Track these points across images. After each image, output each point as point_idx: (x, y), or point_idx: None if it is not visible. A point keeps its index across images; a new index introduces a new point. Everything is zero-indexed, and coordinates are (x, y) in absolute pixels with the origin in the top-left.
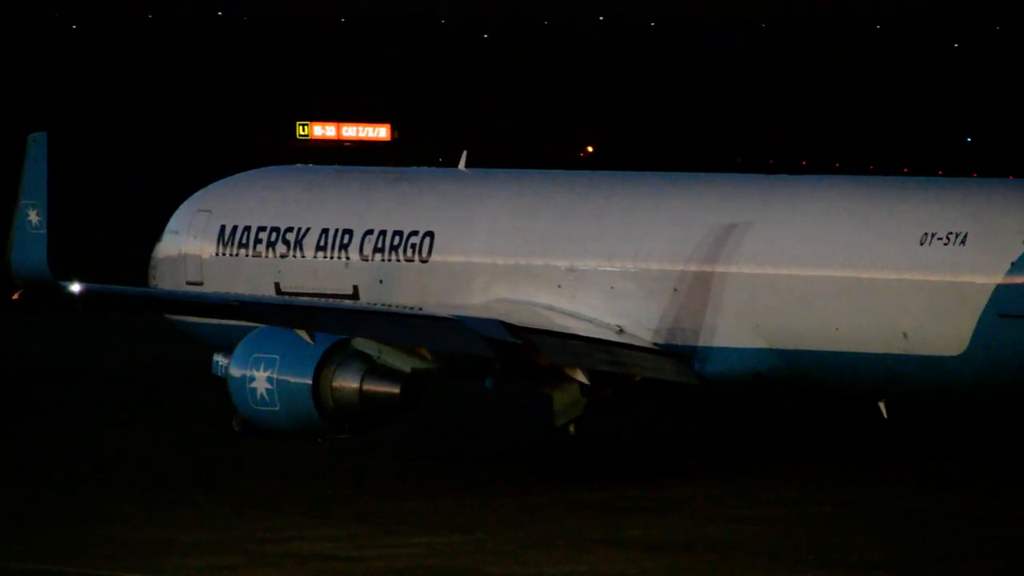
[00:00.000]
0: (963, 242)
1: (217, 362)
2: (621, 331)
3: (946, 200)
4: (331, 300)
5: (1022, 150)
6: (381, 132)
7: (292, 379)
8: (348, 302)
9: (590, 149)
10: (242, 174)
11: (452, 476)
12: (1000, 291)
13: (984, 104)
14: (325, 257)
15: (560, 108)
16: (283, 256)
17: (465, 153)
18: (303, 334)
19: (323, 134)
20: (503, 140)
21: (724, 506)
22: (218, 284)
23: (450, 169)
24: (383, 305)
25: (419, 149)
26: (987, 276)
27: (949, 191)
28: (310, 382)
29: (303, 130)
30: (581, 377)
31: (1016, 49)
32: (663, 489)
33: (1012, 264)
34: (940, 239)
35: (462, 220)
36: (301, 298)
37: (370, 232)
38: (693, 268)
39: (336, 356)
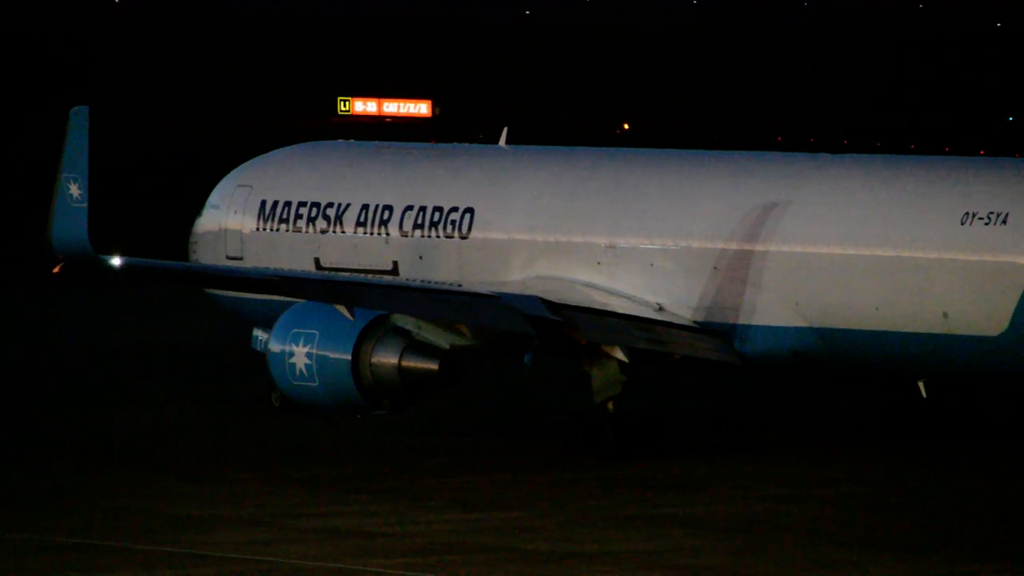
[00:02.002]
0: (1004, 222)
1: (257, 337)
2: (661, 309)
3: (987, 179)
4: (371, 276)
5: None
6: (422, 108)
7: (331, 355)
8: (388, 278)
9: (626, 126)
10: (283, 149)
11: (490, 453)
12: None
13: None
14: (365, 233)
15: (600, 85)
16: (323, 231)
17: (506, 129)
18: (342, 309)
19: (364, 110)
20: (544, 117)
21: (761, 484)
22: (258, 259)
23: (491, 145)
24: (422, 281)
25: (460, 125)
26: None
27: (990, 170)
28: (349, 358)
29: (344, 106)
30: (620, 355)
31: None
32: (700, 467)
33: None
34: (981, 219)
35: (502, 197)
36: (341, 273)
37: (410, 208)
38: (733, 246)
39: (375, 332)
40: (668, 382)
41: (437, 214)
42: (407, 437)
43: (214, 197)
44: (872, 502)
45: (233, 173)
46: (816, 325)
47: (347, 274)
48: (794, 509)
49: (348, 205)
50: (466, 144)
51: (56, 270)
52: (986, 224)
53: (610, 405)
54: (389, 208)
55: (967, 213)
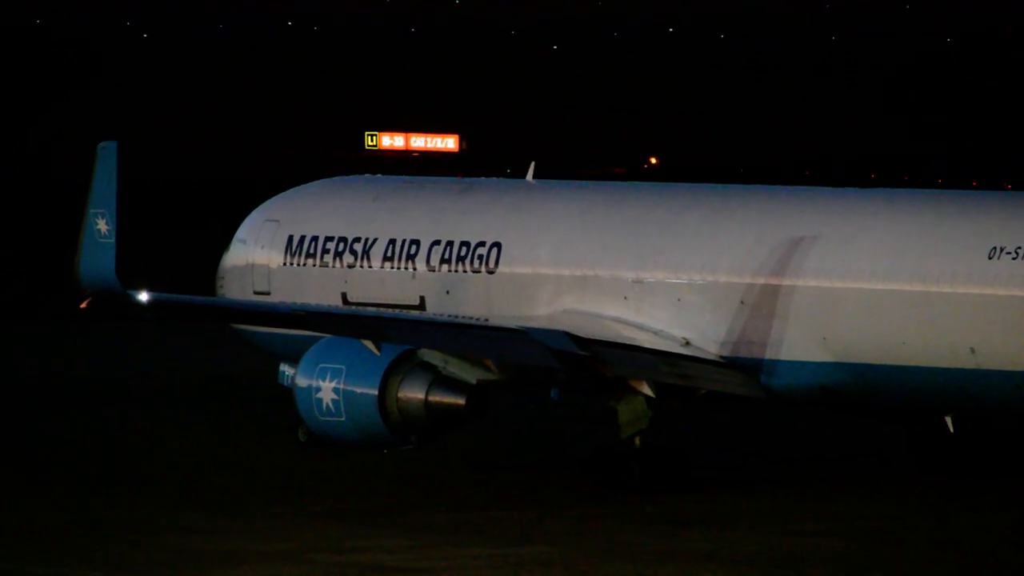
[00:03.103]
0: None
1: (283, 372)
2: (687, 343)
3: (1014, 214)
4: (398, 310)
5: None
6: (449, 143)
7: (358, 389)
8: (415, 312)
9: (654, 161)
10: (310, 184)
11: (516, 487)
12: None
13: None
14: (392, 267)
15: (627, 119)
16: (350, 266)
17: (533, 164)
18: (369, 344)
19: (391, 144)
20: (571, 151)
21: (787, 519)
22: (285, 294)
23: (518, 180)
24: (450, 316)
25: (487, 160)
26: None
27: (1017, 204)
28: (376, 392)
29: (371, 140)
30: (647, 390)
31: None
32: (728, 502)
33: None
34: (1008, 253)
35: (529, 231)
36: (368, 308)
37: (437, 243)
38: (760, 281)
39: (402, 367)
40: (695, 417)
41: (464, 249)
42: (433, 471)
43: (242, 232)
44: (900, 536)
45: (260, 208)
46: (843, 360)
47: (374, 309)
48: (822, 543)
49: (375, 240)
50: (493, 178)
51: (83, 305)
52: (1013, 259)
53: (637, 440)
54: (416, 243)
55: (994, 247)
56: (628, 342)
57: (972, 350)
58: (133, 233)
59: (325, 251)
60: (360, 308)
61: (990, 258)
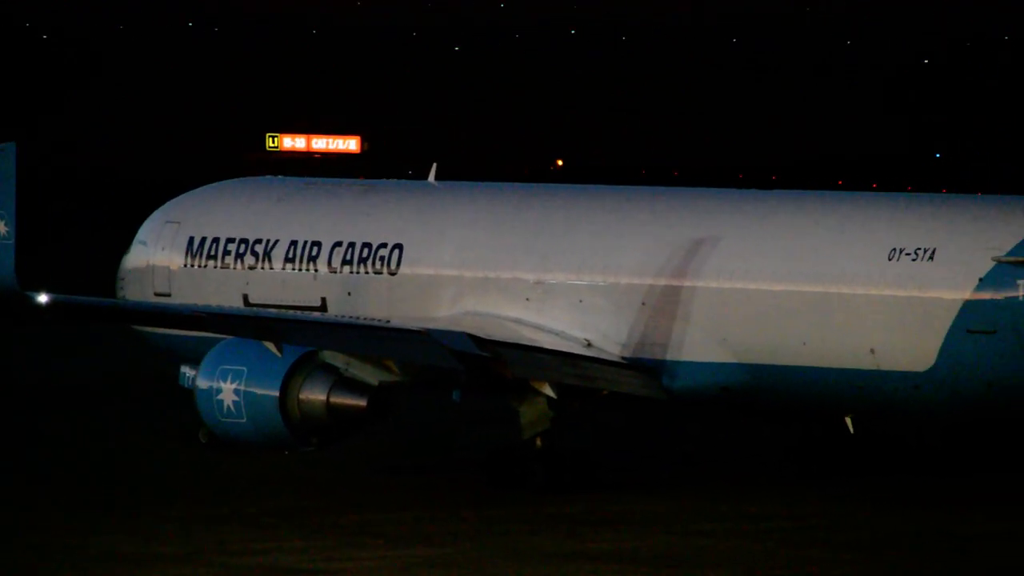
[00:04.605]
0: (931, 258)
1: (184, 374)
2: (589, 345)
3: (915, 216)
4: (299, 312)
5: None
6: (351, 144)
7: (259, 391)
8: (316, 314)
9: (560, 163)
10: (211, 185)
11: (419, 489)
12: (968, 307)
13: (958, 119)
14: (294, 269)
15: (531, 121)
16: (251, 268)
17: (435, 166)
18: (271, 346)
19: (293, 146)
20: (473, 153)
21: (689, 520)
22: (186, 295)
23: (420, 182)
24: (351, 317)
25: (389, 161)
26: (955, 292)
27: (918, 207)
28: (277, 394)
29: (272, 142)
30: (548, 391)
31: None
32: (628, 503)
33: (980, 280)
34: (908, 255)
35: (431, 233)
36: (269, 310)
37: (339, 244)
38: (662, 282)
39: (303, 368)
40: (596, 418)
41: (366, 250)
42: (335, 473)
43: (142, 233)
44: (797, 537)
45: (161, 209)
46: (744, 361)
47: (275, 310)
48: (721, 544)
49: (276, 241)
50: (395, 180)
51: None
52: (913, 260)
53: (538, 441)
54: (318, 244)
55: (895, 249)
56: (530, 343)
57: (872, 351)
58: (35, 234)
59: (226, 252)
60: (261, 310)
61: (890, 259)
